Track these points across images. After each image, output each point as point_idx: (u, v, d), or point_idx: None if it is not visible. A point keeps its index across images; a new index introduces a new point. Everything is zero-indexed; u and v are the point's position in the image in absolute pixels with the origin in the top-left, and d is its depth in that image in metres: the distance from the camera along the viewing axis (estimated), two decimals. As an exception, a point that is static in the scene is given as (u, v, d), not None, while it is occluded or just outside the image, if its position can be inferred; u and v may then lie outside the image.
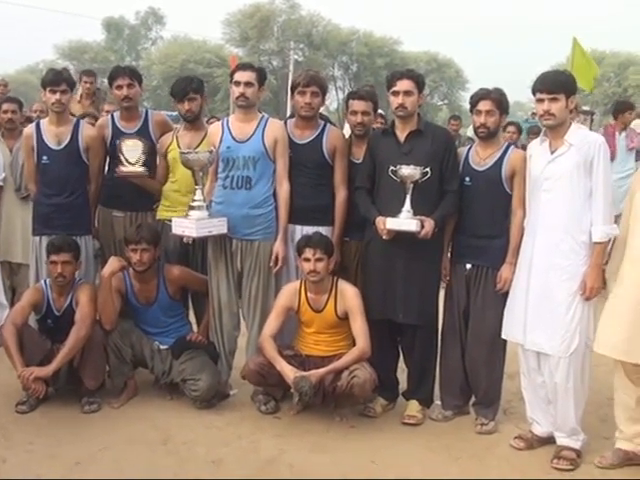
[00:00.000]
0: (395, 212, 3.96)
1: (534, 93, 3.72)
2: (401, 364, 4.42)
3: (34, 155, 4.68)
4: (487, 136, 4.04)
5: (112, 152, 4.67)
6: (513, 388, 4.42)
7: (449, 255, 4.24)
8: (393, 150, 4.09)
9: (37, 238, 4.68)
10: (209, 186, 4.38)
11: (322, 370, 3.99)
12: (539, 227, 3.73)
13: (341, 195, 4.34)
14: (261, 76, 4.31)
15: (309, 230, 4.25)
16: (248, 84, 4.22)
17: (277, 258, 4.25)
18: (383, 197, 4.11)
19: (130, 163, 4.48)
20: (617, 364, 3.69)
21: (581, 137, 3.67)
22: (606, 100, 37.63)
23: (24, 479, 3.45)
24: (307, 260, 4.08)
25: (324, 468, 3.63)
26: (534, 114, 9.84)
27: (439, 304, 4.27)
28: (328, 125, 4.43)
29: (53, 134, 4.64)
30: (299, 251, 4.14)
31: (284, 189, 4.26)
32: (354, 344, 4.12)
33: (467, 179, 4.09)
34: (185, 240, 4.40)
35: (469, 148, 4.22)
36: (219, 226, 4.17)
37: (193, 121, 4.60)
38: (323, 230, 4.26)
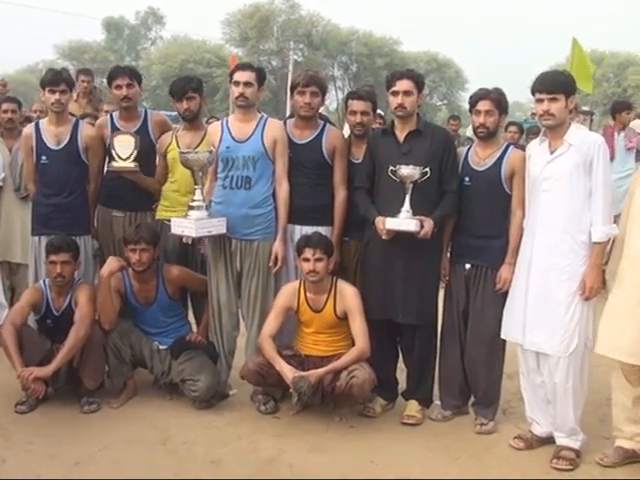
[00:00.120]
0: (394, 212, 3.96)
1: (533, 93, 3.72)
2: (400, 364, 4.42)
3: (33, 155, 4.67)
4: (486, 136, 4.04)
5: (111, 152, 4.66)
6: (512, 388, 4.42)
7: (448, 255, 4.24)
8: (392, 150, 4.09)
9: (36, 238, 4.68)
10: (208, 186, 4.38)
11: (321, 370, 3.99)
12: (538, 227, 3.73)
13: (340, 195, 4.34)
14: (260, 76, 4.31)
15: (308, 230, 4.25)
16: (247, 84, 4.22)
17: (276, 258, 4.25)
18: (382, 197, 4.11)
19: (121, 158, 4.47)
20: (616, 364, 3.69)
21: (580, 137, 3.67)
22: (605, 100, 37.63)
23: (24, 479, 3.44)
24: (306, 260, 4.08)
25: (323, 468, 3.63)
26: (533, 114, 9.83)
27: (438, 304, 4.27)
28: (327, 125, 4.43)
29: (52, 134, 4.64)
30: (298, 251, 4.14)
31: (283, 189, 4.26)
32: (353, 344, 4.12)
33: (466, 179, 4.09)
34: (184, 240, 4.40)
35: (468, 148, 4.23)
36: (218, 226, 4.17)
37: (192, 120, 4.60)
38: (322, 230, 4.26)
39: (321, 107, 4.48)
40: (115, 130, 4.67)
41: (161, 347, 4.44)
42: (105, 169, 4.83)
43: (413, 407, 4.24)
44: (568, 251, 3.65)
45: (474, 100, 4.04)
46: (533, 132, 8.92)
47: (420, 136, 4.09)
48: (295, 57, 43.70)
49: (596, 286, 3.62)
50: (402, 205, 3.95)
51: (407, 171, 3.93)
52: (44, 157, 4.63)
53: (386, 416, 4.28)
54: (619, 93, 39.89)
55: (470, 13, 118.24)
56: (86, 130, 4.73)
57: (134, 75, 4.74)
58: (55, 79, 4.56)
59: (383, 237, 3.99)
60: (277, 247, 4.25)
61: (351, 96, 4.48)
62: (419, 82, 4.09)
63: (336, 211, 4.34)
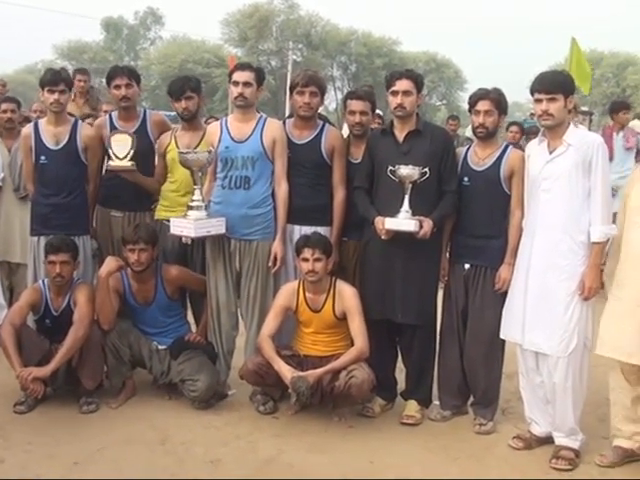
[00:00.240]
0: (394, 212, 3.96)
1: (532, 93, 3.72)
2: (399, 364, 4.42)
3: (32, 155, 4.67)
4: (486, 136, 4.04)
5: (109, 152, 4.66)
6: (511, 388, 4.42)
7: (448, 255, 4.24)
8: (392, 150, 4.09)
9: (35, 238, 4.67)
10: (208, 186, 4.37)
11: (320, 370, 3.99)
12: (538, 227, 3.73)
13: (340, 195, 4.34)
14: (260, 76, 4.31)
15: (307, 230, 4.25)
16: (247, 84, 4.22)
17: (275, 258, 4.25)
18: (382, 197, 4.10)
19: (118, 158, 4.47)
20: (615, 364, 3.69)
21: (579, 137, 3.67)
22: (605, 100, 37.62)
23: (23, 479, 3.44)
24: (305, 260, 4.08)
25: (322, 468, 3.63)
26: (532, 114, 9.84)
27: (438, 304, 4.27)
28: (327, 125, 4.43)
29: (51, 134, 4.63)
30: (297, 251, 4.14)
31: (282, 189, 4.26)
32: (352, 344, 4.12)
33: (466, 179, 4.09)
34: (184, 240, 4.40)
35: (468, 148, 4.23)
36: (217, 226, 4.17)
37: (190, 120, 4.60)
38: (321, 230, 4.26)
39: (320, 107, 4.48)
40: (114, 130, 4.67)
41: (160, 347, 4.44)
42: (104, 169, 4.83)
43: (412, 407, 4.24)
44: (567, 251, 3.64)
45: (473, 100, 4.04)
46: (532, 132, 8.93)
47: (419, 136, 4.09)
48: (294, 57, 43.71)
49: (595, 286, 3.62)
50: (401, 205, 3.95)
51: (406, 171, 3.93)
52: (43, 157, 4.63)
53: (385, 416, 4.28)
54: (618, 93, 39.92)
55: (469, 13, 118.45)
56: (85, 130, 4.73)
57: (133, 75, 4.74)
58: (54, 79, 4.56)
59: (382, 237, 3.99)
60: (276, 247, 4.24)
61: (350, 96, 4.48)
62: (418, 82, 4.09)
63: (335, 211, 4.34)
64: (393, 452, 3.83)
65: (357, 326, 4.09)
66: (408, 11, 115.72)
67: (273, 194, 4.28)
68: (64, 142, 4.62)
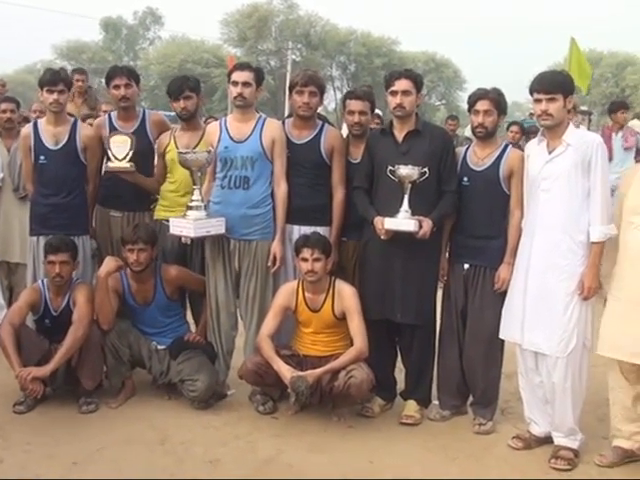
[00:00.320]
0: (393, 212, 3.96)
1: (531, 93, 3.72)
2: (399, 364, 4.42)
3: (31, 155, 4.67)
4: (485, 136, 4.04)
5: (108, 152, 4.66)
6: (511, 388, 4.42)
7: (447, 255, 4.24)
8: (391, 150, 4.09)
9: (35, 238, 4.67)
10: (207, 186, 4.37)
11: (319, 370, 3.99)
12: (537, 227, 3.73)
13: (339, 195, 4.34)
14: (259, 76, 4.31)
15: (307, 230, 4.25)
16: (246, 84, 4.22)
17: (275, 258, 4.25)
18: (381, 197, 4.10)
19: (117, 159, 4.47)
20: (613, 363, 3.69)
21: (579, 137, 3.68)
22: (604, 100, 37.64)
23: (22, 479, 3.44)
24: (305, 260, 4.08)
25: (322, 468, 3.63)
26: (532, 114, 9.85)
27: (437, 304, 4.27)
28: (326, 125, 4.43)
29: (51, 134, 4.63)
30: (297, 251, 4.14)
31: (282, 189, 4.25)
32: (352, 344, 4.11)
33: (465, 179, 4.09)
34: (183, 240, 4.40)
35: (467, 148, 4.22)
36: (217, 226, 4.17)
37: (189, 120, 4.60)
38: (321, 230, 4.26)
39: (319, 107, 4.48)
40: (113, 130, 4.66)
41: (159, 347, 4.44)
42: (103, 169, 4.83)
43: (411, 407, 4.24)
44: (567, 251, 3.65)
45: (473, 100, 4.04)
46: (532, 132, 8.93)
47: (419, 136, 4.09)
48: (293, 57, 43.71)
49: (594, 286, 3.62)
50: (401, 205, 3.95)
51: (406, 171, 3.93)
52: (42, 157, 4.63)
53: (384, 416, 4.28)
54: (617, 93, 39.94)
55: (468, 13, 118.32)
56: (84, 130, 4.73)
57: (132, 75, 4.73)
58: (53, 79, 4.55)
59: (382, 237, 3.99)
60: (275, 247, 4.24)
61: (349, 96, 4.48)
62: (418, 82, 4.09)
63: (334, 211, 4.34)
64: (392, 452, 3.83)
65: (356, 326, 4.09)
66: (407, 11, 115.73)
67: (272, 194, 4.28)
68: (63, 142, 4.62)
